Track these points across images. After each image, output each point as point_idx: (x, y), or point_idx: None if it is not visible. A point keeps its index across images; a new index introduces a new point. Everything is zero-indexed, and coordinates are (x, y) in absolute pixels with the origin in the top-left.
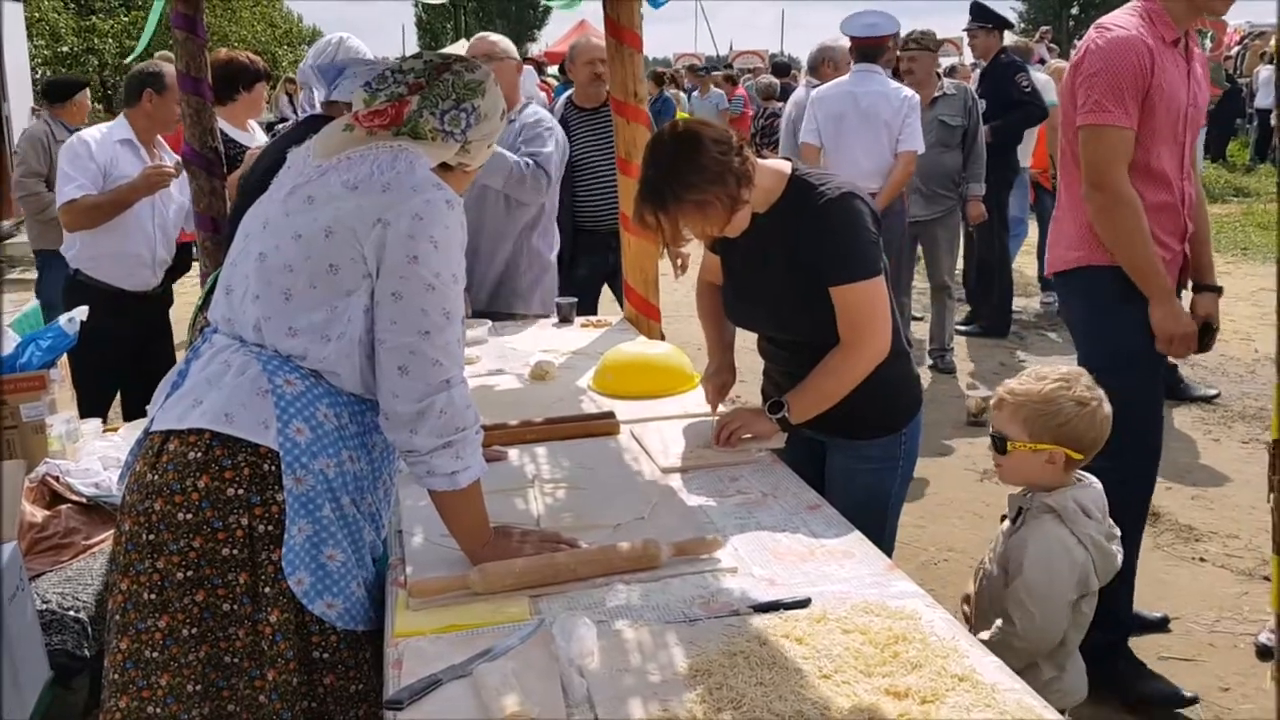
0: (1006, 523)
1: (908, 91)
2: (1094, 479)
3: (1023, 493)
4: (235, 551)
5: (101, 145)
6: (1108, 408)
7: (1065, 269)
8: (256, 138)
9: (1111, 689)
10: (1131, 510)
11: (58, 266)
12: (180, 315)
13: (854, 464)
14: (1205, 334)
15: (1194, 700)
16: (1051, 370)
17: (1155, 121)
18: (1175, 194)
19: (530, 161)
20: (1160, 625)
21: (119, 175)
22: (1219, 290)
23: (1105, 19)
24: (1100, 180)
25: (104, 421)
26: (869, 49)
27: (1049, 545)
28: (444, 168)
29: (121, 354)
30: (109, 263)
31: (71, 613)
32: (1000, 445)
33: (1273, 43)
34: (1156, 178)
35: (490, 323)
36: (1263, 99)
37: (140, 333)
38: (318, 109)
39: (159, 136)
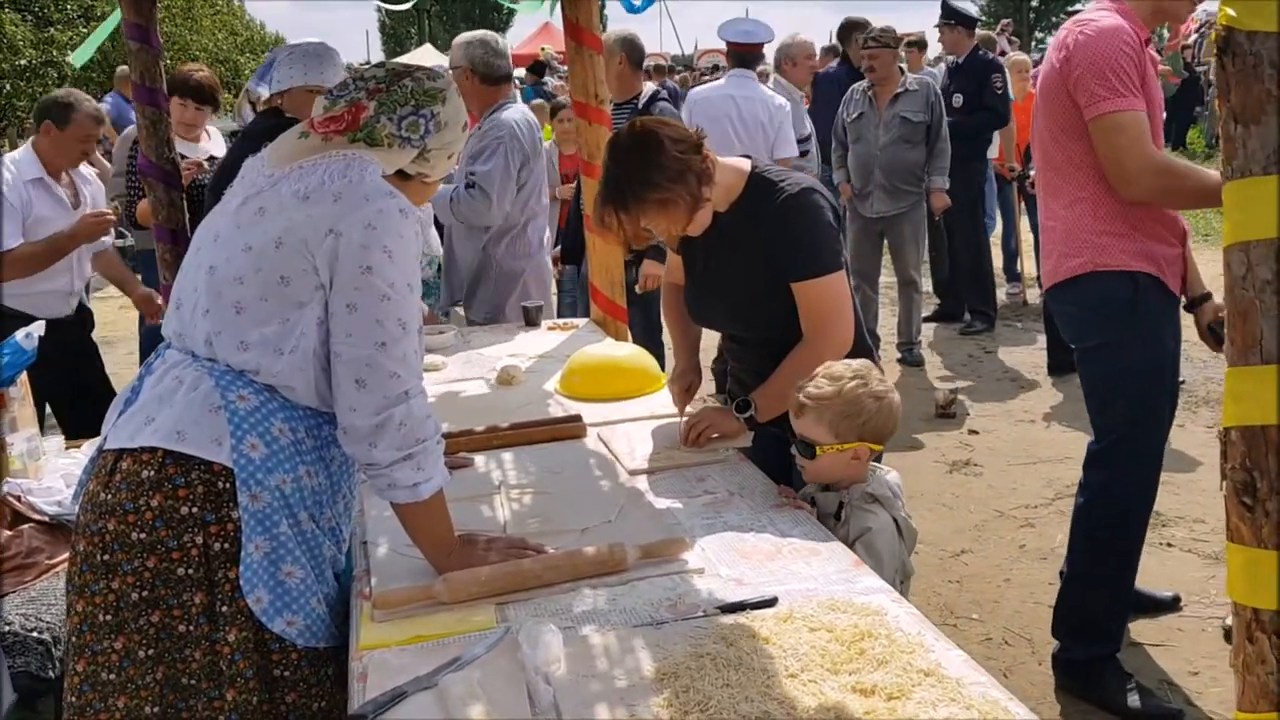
0: (821, 520)
1: (782, 100)
2: (887, 468)
3: (820, 487)
4: (191, 571)
5: (13, 189)
6: (897, 396)
7: (1065, 278)
8: (214, 147)
9: (1095, 700)
10: (1125, 534)
11: (155, 266)
12: (106, 335)
13: None
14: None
15: (1179, 713)
16: (843, 368)
17: (1151, 108)
18: None
19: (463, 186)
20: (1172, 604)
21: (38, 217)
22: (1209, 295)
23: (1081, 16)
24: (1138, 163)
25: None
26: (746, 55)
27: (884, 530)
28: (402, 177)
29: (39, 373)
30: (30, 297)
31: (35, 634)
32: (809, 451)
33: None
34: None
35: (456, 328)
36: None
37: (62, 355)
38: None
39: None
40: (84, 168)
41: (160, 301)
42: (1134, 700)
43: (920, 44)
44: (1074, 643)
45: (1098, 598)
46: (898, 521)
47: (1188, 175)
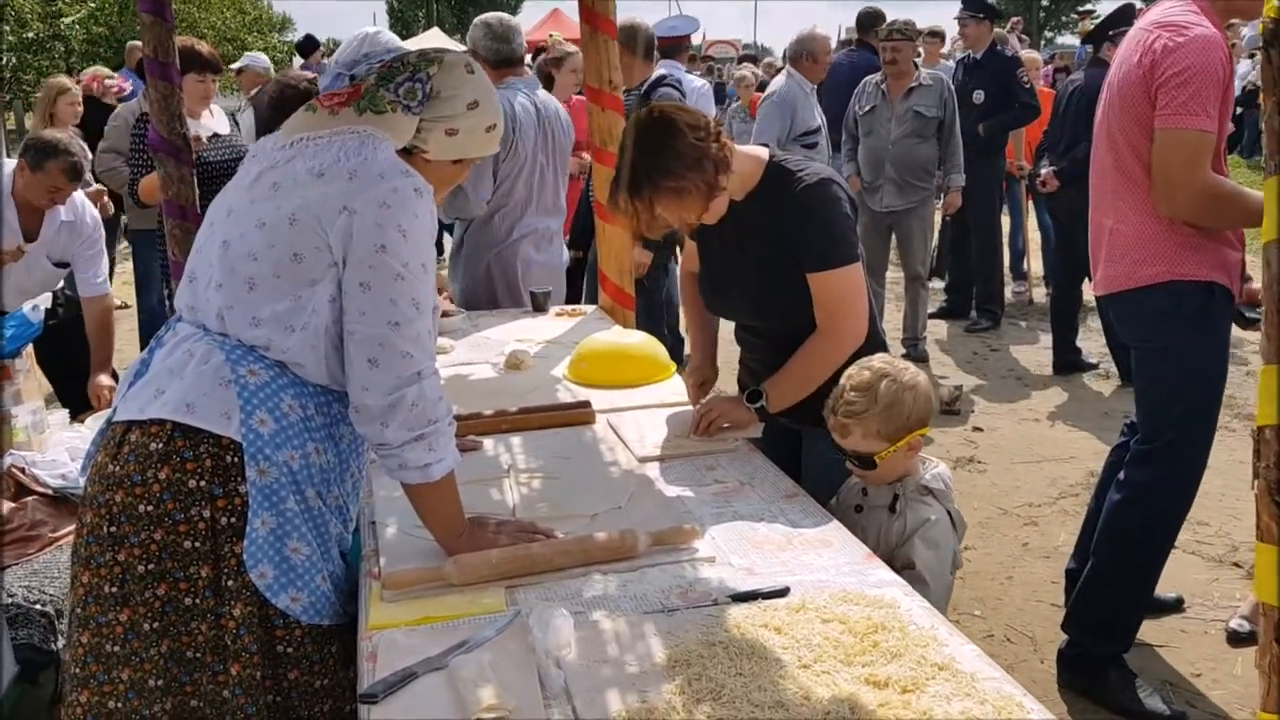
0: (871, 512)
1: (699, 83)
2: (937, 460)
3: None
4: (197, 544)
5: None
6: (924, 376)
7: (1138, 286)
8: (216, 124)
9: (1099, 698)
10: (1160, 532)
11: (149, 245)
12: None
13: (830, 453)
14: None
15: (1182, 715)
16: (868, 374)
17: (1223, 122)
18: None
19: None
20: (1176, 606)
21: None
22: (1250, 278)
23: (1165, 16)
24: (1179, 183)
25: None
26: (669, 47)
27: (942, 522)
28: (405, 154)
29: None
30: None
31: (38, 606)
32: (868, 464)
33: (1243, 32)
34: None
35: (465, 312)
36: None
37: (63, 335)
38: None
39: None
40: (77, 202)
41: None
42: (1138, 700)
43: (939, 35)
44: (1087, 639)
45: (1120, 596)
46: (950, 513)
47: (1234, 200)
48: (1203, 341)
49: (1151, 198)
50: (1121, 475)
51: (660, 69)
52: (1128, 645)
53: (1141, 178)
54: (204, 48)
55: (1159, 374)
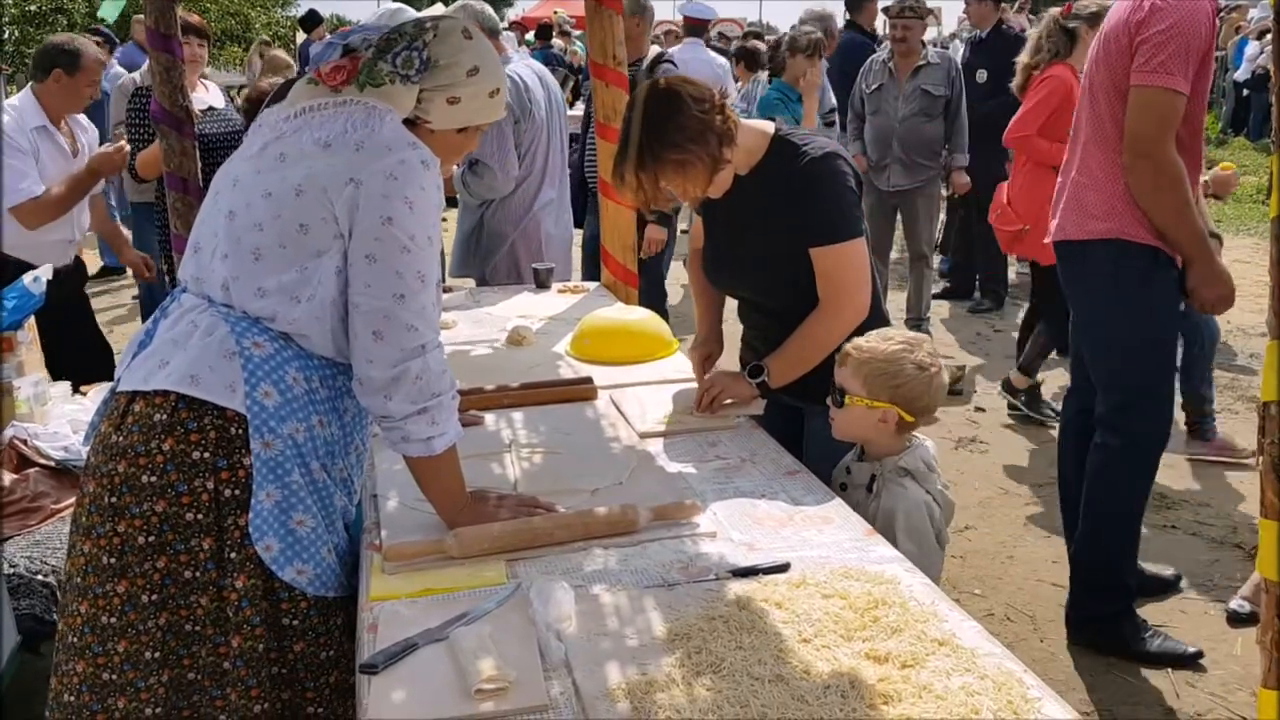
0: (853, 491)
1: (722, 60)
2: (923, 439)
3: (856, 457)
4: (200, 516)
5: (21, 133)
6: (945, 377)
7: (1086, 239)
8: (211, 98)
9: (1113, 650)
10: (1138, 488)
11: (147, 218)
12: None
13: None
14: None
15: (1198, 654)
16: (898, 333)
17: (1202, 87)
18: (1201, 162)
19: (465, 166)
20: (1174, 583)
21: (42, 165)
22: (1219, 238)
23: None
24: (1149, 149)
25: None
26: (696, 27)
27: (918, 509)
28: (409, 125)
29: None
30: (33, 248)
31: (39, 577)
32: (840, 399)
33: (1251, 13)
34: (1191, 147)
35: (468, 287)
36: (1243, 73)
37: (57, 306)
38: None
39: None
40: (80, 115)
41: (150, 265)
42: (1153, 644)
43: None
44: (1092, 599)
45: (1115, 542)
46: (933, 494)
47: (1179, 194)
48: (1147, 306)
49: (1118, 156)
50: (1097, 439)
51: (687, 45)
52: (1132, 596)
53: (1111, 134)
54: (193, 17)
55: (1109, 337)
